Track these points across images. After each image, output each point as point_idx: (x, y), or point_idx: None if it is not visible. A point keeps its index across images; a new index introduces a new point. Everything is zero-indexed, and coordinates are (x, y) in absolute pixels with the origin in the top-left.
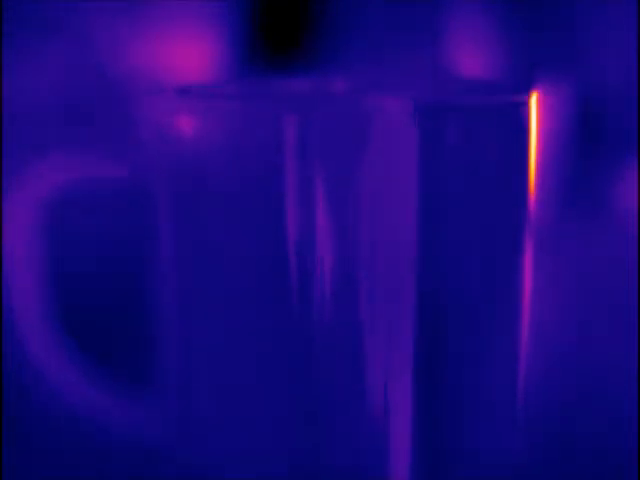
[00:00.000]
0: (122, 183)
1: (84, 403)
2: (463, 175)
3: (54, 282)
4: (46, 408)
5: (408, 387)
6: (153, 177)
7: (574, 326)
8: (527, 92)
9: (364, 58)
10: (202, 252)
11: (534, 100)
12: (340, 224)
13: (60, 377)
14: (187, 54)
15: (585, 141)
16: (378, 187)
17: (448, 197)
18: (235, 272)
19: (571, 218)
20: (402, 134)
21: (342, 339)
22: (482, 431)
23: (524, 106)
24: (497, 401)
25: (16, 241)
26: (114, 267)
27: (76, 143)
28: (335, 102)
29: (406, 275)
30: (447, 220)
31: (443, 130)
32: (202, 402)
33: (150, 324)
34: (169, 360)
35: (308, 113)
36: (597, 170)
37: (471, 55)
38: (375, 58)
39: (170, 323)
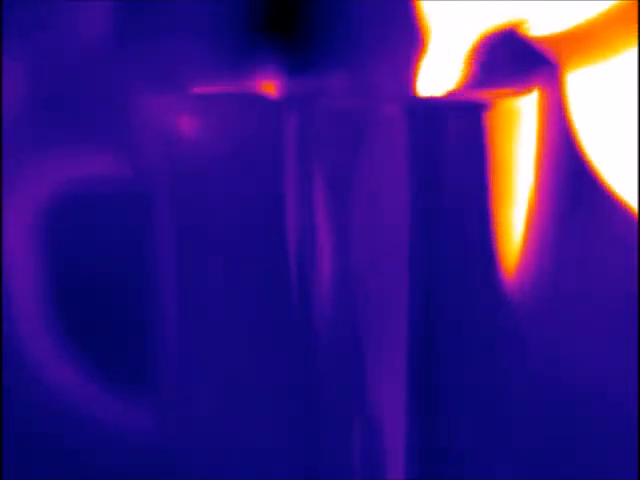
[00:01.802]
0: (122, 183)
1: (83, 403)
2: (460, 174)
3: (54, 282)
4: (46, 408)
5: (403, 387)
6: (153, 177)
7: (573, 326)
8: (524, 91)
9: (362, 57)
10: (202, 252)
11: (531, 99)
12: (339, 223)
13: (60, 377)
14: (187, 53)
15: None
16: (377, 186)
17: (445, 196)
18: (235, 271)
19: (570, 217)
20: (400, 134)
21: (341, 338)
22: (478, 431)
23: (521, 105)
24: (493, 401)
25: (16, 241)
26: (114, 267)
27: (76, 143)
28: (335, 102)
29: (402, 274)
30: (444, 219)
31: (440, 130)
32: (201, 402)
33: (150, 324)
34: (169, 360)
35: (308, 113)
36: (597, 168)
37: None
38: (372, 58)
39: (170, 323)
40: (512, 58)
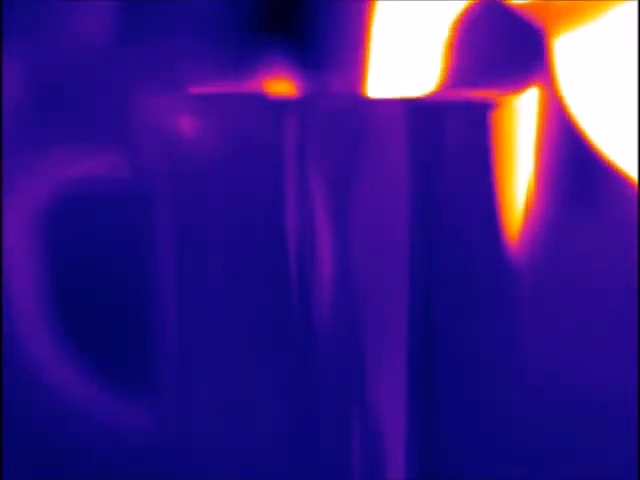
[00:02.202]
0: (122, 183)
1: (83, 403)
2: (460, 173)
3: (54, 282)
4: (45, 408)
5: (403, 387)
6: (153, 177)
7: (573, 325)
8: (523, 89)
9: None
10: (202, 252)
11: (530, 96)
12: (339, 223)
13: (60, 377)
14: (187, 53)
15: (583, 138)
16: (377, 186)
17: (445, 196)
18: (234, 271)
19: (570, 216)
20: (400, 134)
21: (341, 338)
22: (478, 431)
23: (520, 103)
24: (493, 400)
25: (16, 241)
26: (114, 267)
27: (76, 143)
28: (334, 102)
29: (403, 274)
30: (444, 219)
31: (440, 130)
32: (201, 402)
33: (150, 324)
34: (169, 360)
35: (308, 113)
36: (597, 168)
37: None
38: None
39: (170, 323)
40: (510, 57)
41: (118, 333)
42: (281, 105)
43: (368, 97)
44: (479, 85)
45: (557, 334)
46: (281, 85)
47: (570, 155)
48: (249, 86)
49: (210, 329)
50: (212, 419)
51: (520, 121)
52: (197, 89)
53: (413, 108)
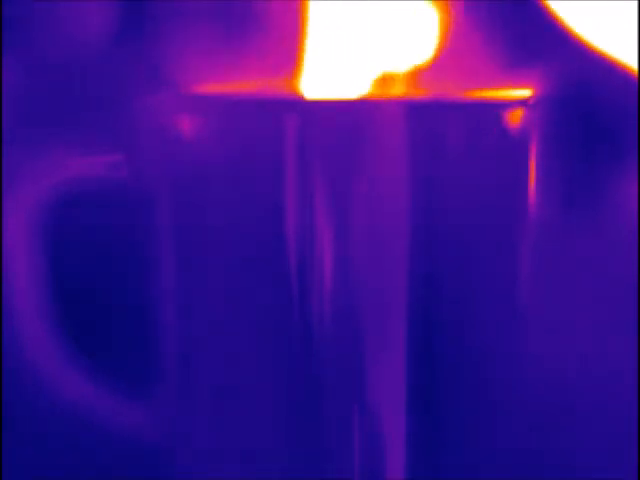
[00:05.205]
0: (122, 183)
1: (84, 403)
2: (460, 173)
3: (54, 282)
4: (46, 408)
5: (403, 386)
6: (153, 177)
7: (572, 326)
8: (522, 90)
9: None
10: (202, 252)
11: (531, 99)
12: (339, 224)
13: (60, 377)
14: (187, 53)
15: (584, 140)
16: (377, 186)
17: (445, 196)
18: (235, 272)
19: (571, 218)
20: (400, 134)
21: (341, 339)
22: (478, 429)
23: (520, 105)
24: (493, 399)
25: (16, 241)
26: (114, 267)
27: (76, 144)
28: (334, 103)
29: (402, 274)
30: (443, 220)
31: (440, 129)
32: (201, 403)
33: (150, 324)
34: (169, 360)
35: (308, 114)
36: (597, 169)
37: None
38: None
39: (170, 323)
40: (509, 57)
41: (118, 333)
42: (281, 105)
43: (368, 97)
44: (480, 85)
45: (557, 334)
46: (281, 86)
47: (569, 154)
48: (249, 87)
49: (210, 330)
50: (212, 419)
51: (520, 120)
52: (197, 89)
53: (413, 108)
